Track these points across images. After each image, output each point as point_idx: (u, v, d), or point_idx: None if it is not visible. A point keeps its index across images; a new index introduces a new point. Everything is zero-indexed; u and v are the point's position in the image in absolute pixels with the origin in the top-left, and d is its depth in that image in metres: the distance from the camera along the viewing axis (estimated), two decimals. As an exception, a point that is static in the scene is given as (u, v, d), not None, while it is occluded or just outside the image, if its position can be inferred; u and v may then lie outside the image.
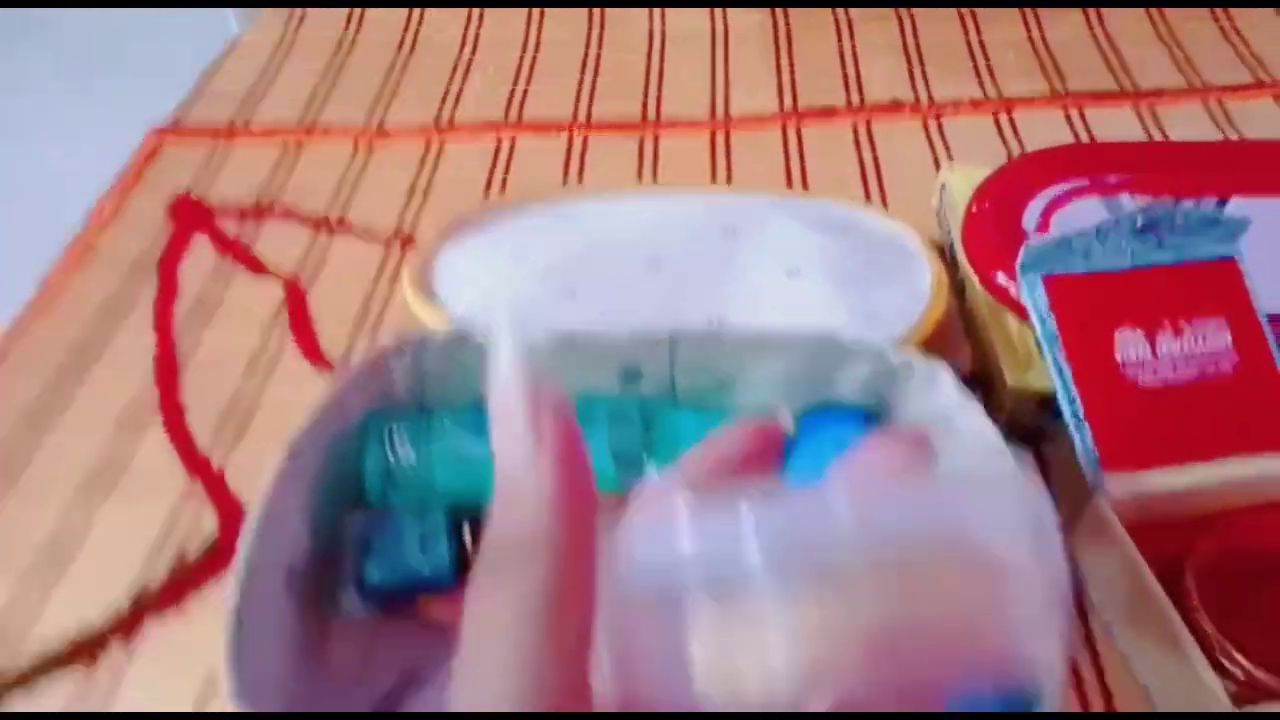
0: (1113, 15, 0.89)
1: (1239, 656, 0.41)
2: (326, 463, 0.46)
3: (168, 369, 0.63)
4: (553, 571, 0.20)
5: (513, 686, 0.20)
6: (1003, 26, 0.89)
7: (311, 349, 0.63)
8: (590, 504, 0.22)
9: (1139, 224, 0.47)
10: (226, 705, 0.35)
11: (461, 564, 0.46)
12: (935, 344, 0.54)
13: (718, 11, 0.92)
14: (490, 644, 0.20)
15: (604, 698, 0.20)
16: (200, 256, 0.71)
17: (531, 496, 0.21)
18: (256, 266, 0.70)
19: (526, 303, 0.54)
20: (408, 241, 0.71)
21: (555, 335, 0.48)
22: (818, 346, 0.47)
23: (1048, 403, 0.51)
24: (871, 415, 0.50)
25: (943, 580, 0.19)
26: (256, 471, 0.43)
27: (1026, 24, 0.89)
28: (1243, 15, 0.88)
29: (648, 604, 0.19)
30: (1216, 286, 0.48)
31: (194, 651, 0.48)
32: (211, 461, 0.57)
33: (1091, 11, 0.89)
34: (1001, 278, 0.54)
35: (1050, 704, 0.19)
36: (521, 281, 0.55)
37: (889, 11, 0.91)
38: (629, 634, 0.20)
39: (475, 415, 0.48)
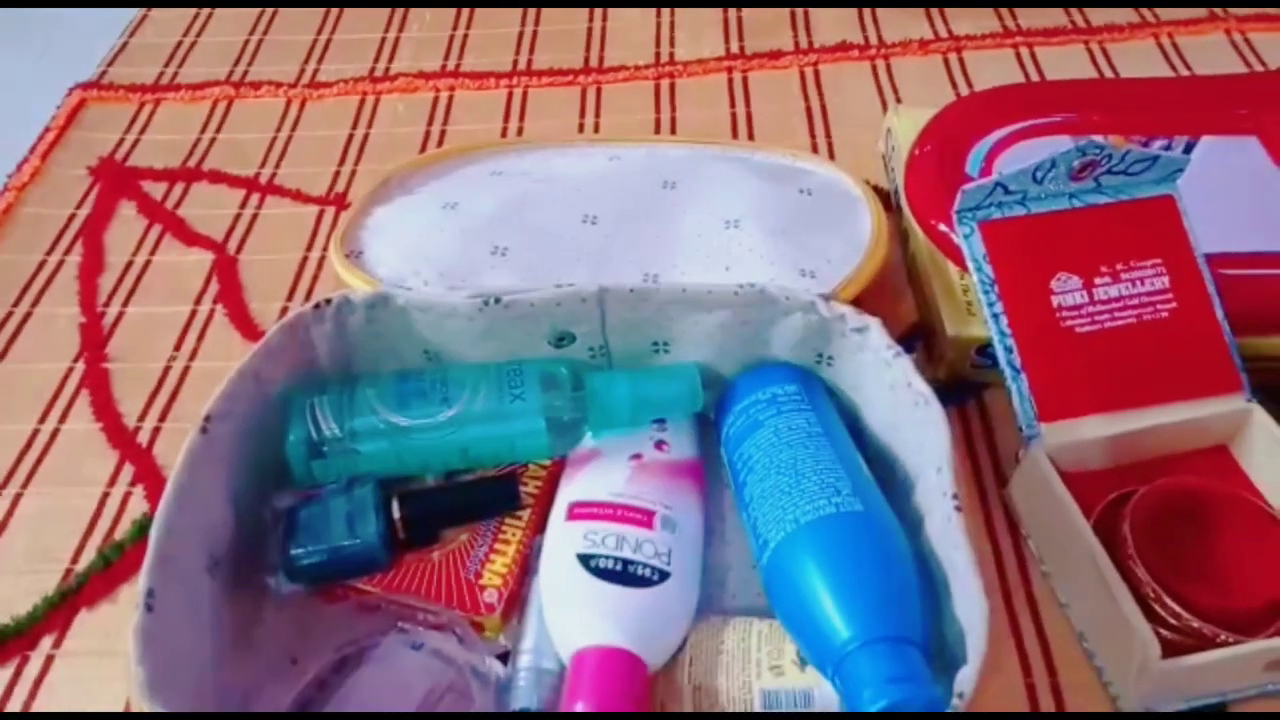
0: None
1: (1173, 604, 0.41)
2: (248, 440, 0.45)
3: (94, 343, 0.61)
4: None
5: None
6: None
7: (242, 318, 0.61)
8: None
9: (1075, 164, 0.45)
10: (137, 700, 0.34)
11: (391, 539, 0.45)
12: (878, 294, 0.53)
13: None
14: None
15: None
16: (126, 222, 0.69)
17: None
18: (185, 236, 0.67)
19: (455, 263, 0.52)
20: (341, 201, 0.69)
21: (483, 297, 0.47)
22: (747, 300, 0.45)
23: (988, 351, 0.51)
24: (808, 373, 0.49)
25: None
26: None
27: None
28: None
29: None
30: (1154, 226, 0.47)
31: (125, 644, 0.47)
32: (140, 440, 0.56)
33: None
34: (943, 225, 0.53)
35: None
36: (451, 241, 0.53)
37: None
38: None
39: (398, 385, 0.46)
